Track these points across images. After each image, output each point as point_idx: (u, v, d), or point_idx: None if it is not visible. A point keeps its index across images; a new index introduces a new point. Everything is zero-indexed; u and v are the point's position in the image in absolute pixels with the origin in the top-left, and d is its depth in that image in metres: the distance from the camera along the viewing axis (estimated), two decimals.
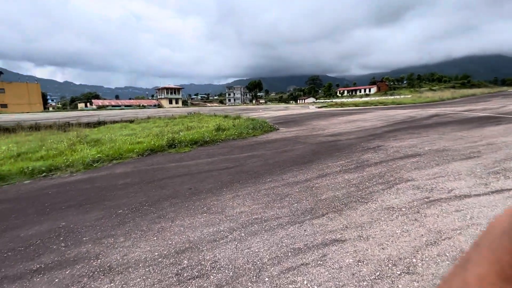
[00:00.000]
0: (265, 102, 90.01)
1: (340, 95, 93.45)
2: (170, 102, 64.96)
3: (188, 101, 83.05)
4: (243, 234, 2.47)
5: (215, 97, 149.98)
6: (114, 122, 16.63)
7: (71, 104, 70.24)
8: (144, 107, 53.88)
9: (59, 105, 79.78)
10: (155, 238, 2.51)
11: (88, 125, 15.91)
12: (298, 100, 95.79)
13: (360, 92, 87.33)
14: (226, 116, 16.25)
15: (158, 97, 70.93)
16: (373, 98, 45.77)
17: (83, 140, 8.96)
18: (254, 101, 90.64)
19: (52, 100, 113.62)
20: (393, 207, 2.87)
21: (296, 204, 3.14)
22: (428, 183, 3.52)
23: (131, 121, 17.26)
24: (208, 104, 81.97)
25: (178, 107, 55.89)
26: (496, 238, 0.23)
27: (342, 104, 32.47)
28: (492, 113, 11.86)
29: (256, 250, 2.19)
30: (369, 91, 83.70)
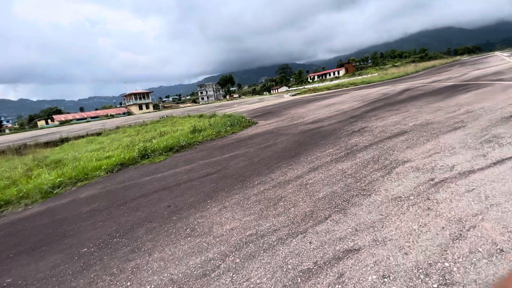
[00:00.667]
0: (239, 96, 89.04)
1: (311, 80, 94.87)
2: (140, 108, 61.78)
3: (160, 104, 79.73)
4: (238, 260, 2.04)
5: (187, 97, 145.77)
6: (79, 137, 15.21)
7: (30, 123, 64.37)
8: (112, 116, 50.67)
9: (16, 126, 72.86)
10: (128, 284, 1.99)
11: (49, 144, 14.40)
12: (272, 91, 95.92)
13: (329, 76, 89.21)
14: (201, 116, 15.52)
15: (127, 104, 67.17)
16: (343, 80, 46.83)
17: (41, 163, 7.94)
18: (227, 97, 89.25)
19: (8, 122, 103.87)
20: (400, 197, 2.58)
21: (293, 209, 2.75)
22: (426, 162, 3.30)
23: (99, 134, 15.93)
24: (181, 105, 79.36)
25: (149, 112, 53.29)
26: None
27: (315, 90, 32.73)
28: (457, 81, 12.33)
29: (258, 281, 1.76)
30: (338, 73, 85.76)
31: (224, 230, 2.55)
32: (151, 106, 63.72)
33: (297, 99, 22.23)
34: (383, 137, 4.88)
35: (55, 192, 5.10)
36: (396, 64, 72.62)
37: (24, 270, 2.48)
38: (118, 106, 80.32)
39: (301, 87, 70.76)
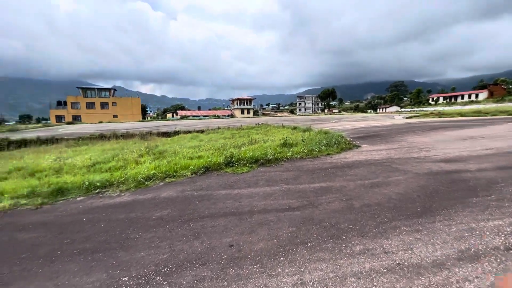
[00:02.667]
0: (339, 112, 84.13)
1: (433, 102, 78.79)
2: (242, 112, 67.93)
3: (259, 111, 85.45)
4: None
5: (285, 107, 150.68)
6: (187, 132, 17.43)
7: (163, 114, 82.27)
8: (218, 117, 57.92)
9: (154, 115, 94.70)
10: None
11: (166, 134, 17.13)
12: (378, 109, 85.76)
13: (462, 98, 71.37)
14: (294, 128, 14.76)
15: (232, 107, 75.46)
16: (487, 106, 35.92)
17: (150, 151, 9.05)
18: (326, 111, 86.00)
19: (151, 111, 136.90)
20: None
21: None
22: None
23: (202, 132, 17.80)
24: (278, 114, 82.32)
25: (249, 117, 57.78)
26: None
27: (441, 114, 26.22)
28: None
29: None
30: (476, 97, 67.34)
31: None
32: (251, 112, 69.05)
33: (415, 123, 18.15)
34: None
35: (146, 183, 5.34)
36: None
37: (67, 283, 2.19)
38: (225, 108, 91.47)
39: (418, 109, 59.68)
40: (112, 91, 55.23)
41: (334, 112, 76.68)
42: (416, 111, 46.94)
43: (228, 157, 6.68)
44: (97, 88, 54.37)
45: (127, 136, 16.28)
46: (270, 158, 6.70)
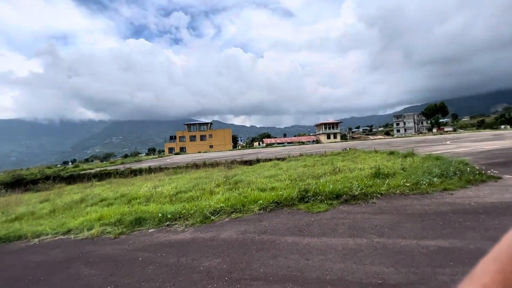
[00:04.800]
0: (454, 130, 68.02)
1: None
2: (328, 137, 64.59)
3: (348, 134, 79.37)
4: None
5: (379, 129, 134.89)
6: (268, 160, 17.32)
7: (250, 143, 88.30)
8: (303, 143, 57.02)
9: (244, 144, 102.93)
10: None
11: (248, 162, 17.55)
12: None
13: None
14: (391, 153, 12.15)
15: (317, 132, 73.21)
16: None
17: (227, 181, 9.06)
18: (435, 130, 71.21)
19: (241, 140, 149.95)
20: None
21: None
22: None
23: (283, 159, 17.30)
24: (370, 137, 73.95)
25: (335, 141, 54.14)
26: (503, 250, 0.25)
27: None
28: None
29: None
30: None
31: None
32: (338, 136, 64.73)
33: None
34: None
35: (211, 218, 4.99)
36: None
37: None
38: (310, 134, 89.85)
39: None
40: (209, 124, 64.18)
41: (447, 131, 62.46)
42: None
43: (302, 191, 5.68)
44: (198, 123, 64.48)
45: (214, 164, 17.59)
46: (356, 193, 5.27)
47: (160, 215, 5.30)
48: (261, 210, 5.24)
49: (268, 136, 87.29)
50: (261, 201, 5.55)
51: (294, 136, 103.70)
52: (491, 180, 5.62)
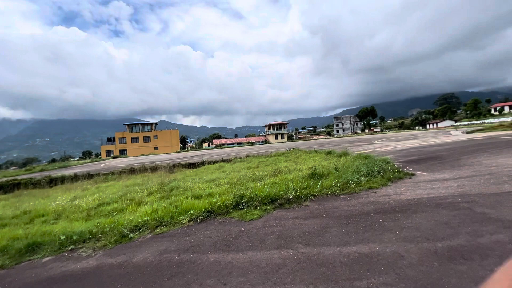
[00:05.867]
0: (381, 131, 77.97)
1: (496, 113, 68.30)
2: (276, 138, 66.90)
3: (294, 135, 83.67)
4: None
5: (322, 129, 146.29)
6: (214, 162, 16.69)
7: (201, 144, 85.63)
8: (252, 143, 57.76)
9: (194, 145, 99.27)
10: None
11: (192, 165, 16.61)
12: (428, 125, 77.44)
13: None
14: (329, 153, 12.89)
15: (266, 133, 75.19)
16: None
17: (162, 187, 8.21)
18: (367, 131, 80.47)
19: (191, 142, 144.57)
20: None
21: None
22: None
23: (230, 161, 16.89)
24: (314, 137, 79.45)
25: (283, 141, 56.38)
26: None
27: None
28: None
29: None
30: None
31: None
32: (285, 136, 67.62)
33: (482, 138, 14.81)
34: None
35: (130, 236, 4.25)
36: None
37: None
38: (260, 135, 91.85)
39: (478, 122, 51.90)
40: (153, 125, 59.65)
41: (376, 132, 71.19)
42: (477, 124, 40.47)
43: (237, 197, 5.35)
44: (141, 123, 59.29)
45: (155, 169, 16.13)
46: (290, 196, 5.18)
47: (62, 237, 4.30)
48: (191, 221, 4.71)
49: (219, 137, 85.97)
50: (192, 211, 5.02)
51: (245, 136, 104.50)
52: (407, 177, 6.22)
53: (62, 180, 15.06)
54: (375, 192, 5.17)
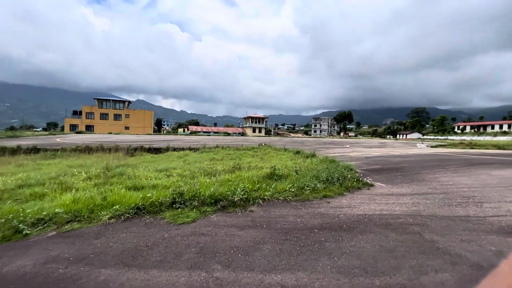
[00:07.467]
0: (355, 136, 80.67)
1: (459, 131, 73.52)
2: (254, 131, 66.34)
3: (273, 130, 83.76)
4: None
5: (301, 128, 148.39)
6: (180, 149, 15.71)
7: (176, 129, 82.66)
8: (228, 134, 56.72)
9: (169, 129, 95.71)
10: None
11: (156, 150, 15.51)
12: (398, 135, 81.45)
13: (492, 129, 65.84)
14: (297, 153, 12.57)
15: (244, 125, 74.34)
16: None
17: (106, 173, 7.27)
18: (342, 134, 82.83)
19: (168, 125, 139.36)
20: None
21: None
22: None
23: (197, 149, 16.02)
24: (292, 134, 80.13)
25: (260, 136, 55.99)
26: None
27: (473, 145, 22.99)
28: None
29: None
30: (510, 127, 61.81)
31: None
32: (263, 131, 67.30)
33: (443, 153, 15.39)
34: None
35: (24, 233, 3.41)
36: None
37: None
38: (239, 126, 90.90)
39: (442, 137, 55.43)
40: (126, 103, 56.03)
41: (350, 136, 73.46)
42: (441, 139, 43.07)
43: (176, 194, 4.67)
44: (113, 100, 55.35)
45: (114, 150, 14.81)
46: (236, 199, 4.60)
47: None
48: (113, 218, 3.96)
49: (196, 124, 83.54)
50: (118, 206, 4.26)
51: (224, 126, 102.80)
52: (365, 188, 5.94)
53: (3, 152, 13.25)
54: (329, 202, 4.76)
